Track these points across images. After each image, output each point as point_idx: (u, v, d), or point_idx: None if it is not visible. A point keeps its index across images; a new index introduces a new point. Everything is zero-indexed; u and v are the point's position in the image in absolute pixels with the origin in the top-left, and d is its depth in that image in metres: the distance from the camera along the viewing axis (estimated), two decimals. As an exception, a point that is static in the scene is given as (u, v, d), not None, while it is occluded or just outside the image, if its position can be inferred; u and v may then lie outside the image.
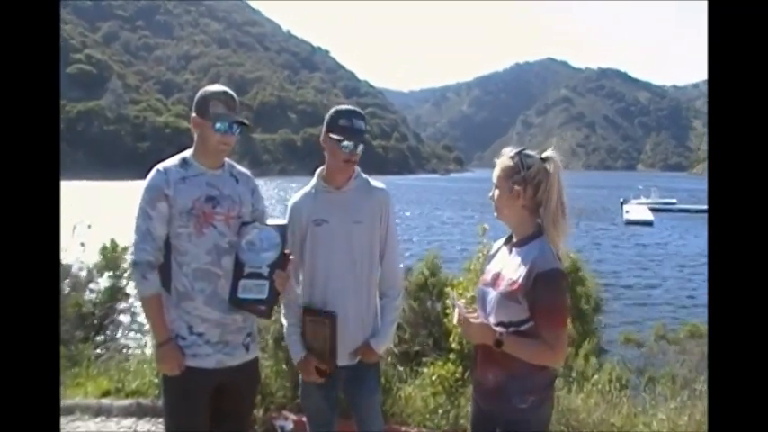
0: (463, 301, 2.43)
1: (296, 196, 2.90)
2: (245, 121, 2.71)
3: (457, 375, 4.22)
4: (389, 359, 4.52)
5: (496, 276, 2.35)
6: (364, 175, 2.89)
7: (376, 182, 2.91)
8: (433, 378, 4.30)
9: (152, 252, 2.63)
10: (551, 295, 2.19)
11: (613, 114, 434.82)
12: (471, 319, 2.30)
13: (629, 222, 50.18)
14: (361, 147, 2.74)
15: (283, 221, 2.80)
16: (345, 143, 2.71)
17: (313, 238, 2.80)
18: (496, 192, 2.36)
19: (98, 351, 6.08)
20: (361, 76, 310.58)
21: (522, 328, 2.24)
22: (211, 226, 2.64)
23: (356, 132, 2.72)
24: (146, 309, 2.70)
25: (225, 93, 2.69)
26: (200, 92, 2.72)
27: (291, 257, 2.76)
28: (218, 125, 2.63)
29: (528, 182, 2.29)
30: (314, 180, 2.87)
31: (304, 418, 4.12)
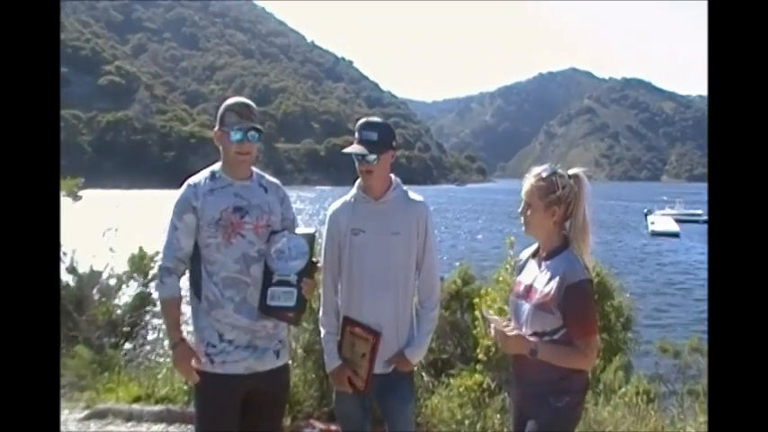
0: (493, 312, 2.52)
1: (335, 205, 2.96)
2: (257, 126, 2.72)
3: (484, 386, 4.22)
4: (416, 369, 4.54)
5: (528, 289, 2.48)
6: (404, 187, 2.94)
7: (414, 194, 2.96)
8: (461, 389, 4.30)
9: (172, 260, 2.71)
10: (582, 305, 2.35)
11: (637, 124, 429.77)
12: (507, 332, 2.42)
13: (655, 234, 49.59)
14: (372, 157, 2.77)
15: (312, 230, 2.85)
16: (354, 153, 2.78)
17: (351, 248, 2.85)
18: (529, 209, 2.47)
19: (128, 357, 6.18)
20: (384, 87, 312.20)
21: (556, 336, 2.38)
22: (239, 235, 2.69)
23: (364, 143, 2.78)
24: (162, 311, 2.84)
25: (238, 103, 2.75)
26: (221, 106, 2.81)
27: (319, 266, 2.83)
28: (232, 135, 2.69)
29: (562, 201, 2.43)
30: (353, 190, 2.92)
31: (332, 427, 4.19)
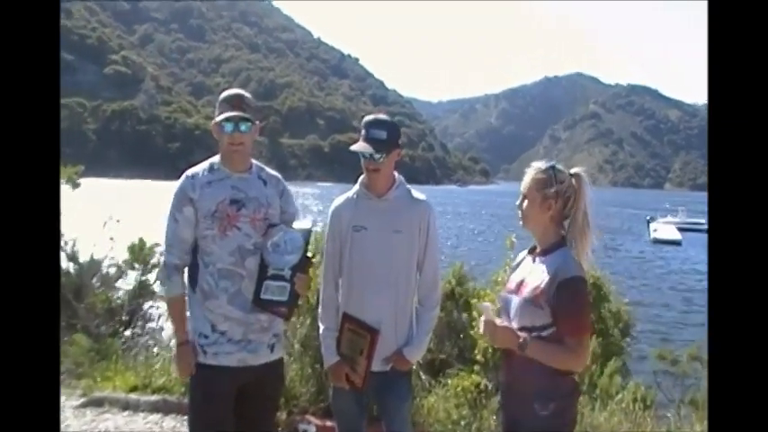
0: (493, 310, 2.47)
1: (338, 201, 2.94)
2: (247, 116, 2.69)
3: (481, 388, 4.22)
4: (413, 368, 4.54)
5: (520, 284, 2.43)
6: (407, 186, 2.92)
7: (417, 192, 2.94)
8: (457, 389, 4.30)
9: (178, 255, 2.71)
10: (573, 302, 2.28)
11: (642, 132, 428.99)
12: (497, 322, 2.36)
13: (657, 241, 49.54)
14: (379, 155, 2.75)
15: (308, 225, 2.84)
16: (361, 152, 2.76)
17: (352, 244, 2.84)
18: (525, 202, 2.44)
19: (126, 344, 6.18)
20: (389, 85, 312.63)
21: (545, 333, 2.31)
22: (235, 228, 2.68)
23: (371, 141, 2.76)
24: (169, 309, 2.82)
25: (231, 95, 2.74)
26: None
27: (314, 261, 2.80)
28: (224, 126, 2.68)
29: (559, 195, 2.40)
30: (356, 186, 2.91)
31: (327, 423, 4.18)
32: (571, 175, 2.43)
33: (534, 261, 2.45)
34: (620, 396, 4.39)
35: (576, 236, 2.40)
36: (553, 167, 2.42)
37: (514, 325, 2.36)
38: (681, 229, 54.25)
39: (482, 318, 2.40)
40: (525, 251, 2.60)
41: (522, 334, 2.31)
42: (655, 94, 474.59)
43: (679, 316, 21.20)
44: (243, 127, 2.70)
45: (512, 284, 2.49)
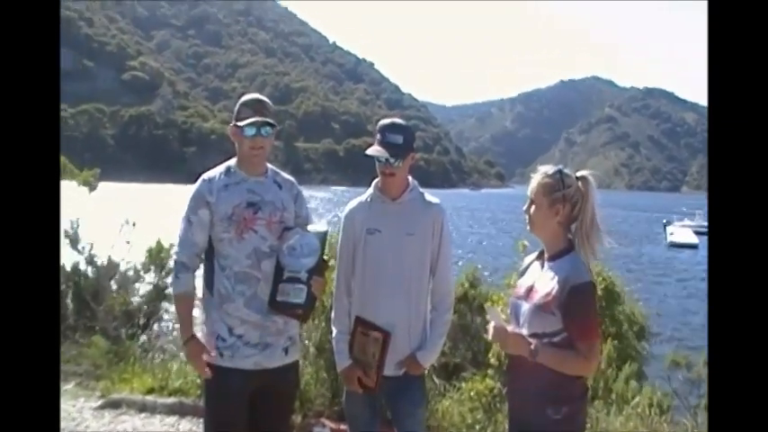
0: (504, 318, 2.46)
1: (351, 204, 2.96)
2: (270, 121, 2.73)
3: (495, 391, 4.21)
4: (427, 372, 4.54)
5: (530, 289, 2.41)
6: (420, 189, 2.93)
7: (431, 196, 2.94)
8: (471, 393, 4.30)
9: (187, 255, 2.75)
10: (585, 307, 2.28)
11: (659, 135, 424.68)
12: (509, 329, 2.36)
13: (674, 245, 49.17)
14: (396, 160, 2.76)
15: (324, 228, 2.85)
16: (378, 156, 2.77)
17: (365, 247, 2.85)
18: (533, 207, 2.43)
19: (143, 344, 6.25)
20: (404, 89, 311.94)
21: (556, 339, 2.30)
22: (252, 231, 2.71)
23: (388, 146, 2.76)
24: (176, 306, 2.88)
25: (252, 99, 2.78)
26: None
27: (330, 264, 2.84)
28: (245, 131, 2.72)
29: (567, 199, 2.37)
30: (370, 189, 2.92)
31: (342, 426, 4.20)
32: (578, 178, 2.41)
33: (543, 267, 2.44)
34: (636, 401, 4.35)
35: (584, 238, 2.37)
36: (560, 171, 2.40)
37: (524, 331, 2.35)
38: (698, 233, 53.59)
39: (491, 322, 2.39)
40: (532, 255, 2.59)
41: (533, 340, 2.30)
42: (671, 97, 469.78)
43: (699, 321, 20.93)
44: (264, 131, 2.74)
45: (521, 290, 2.47)
